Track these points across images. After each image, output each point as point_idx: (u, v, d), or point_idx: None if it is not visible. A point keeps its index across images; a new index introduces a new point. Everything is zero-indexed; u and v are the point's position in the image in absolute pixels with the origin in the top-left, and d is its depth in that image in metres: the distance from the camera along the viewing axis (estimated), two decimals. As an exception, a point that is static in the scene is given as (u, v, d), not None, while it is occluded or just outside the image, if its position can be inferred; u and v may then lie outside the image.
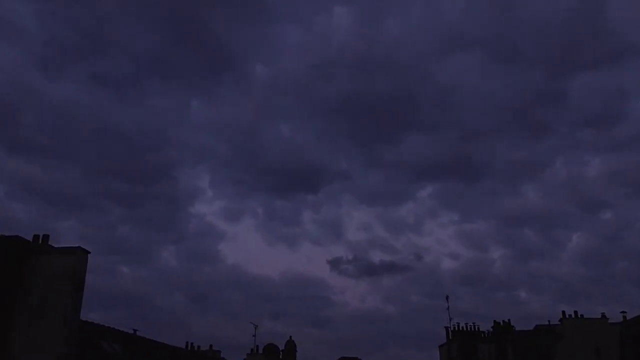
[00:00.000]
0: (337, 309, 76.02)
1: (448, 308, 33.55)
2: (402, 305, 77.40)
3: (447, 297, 33.82)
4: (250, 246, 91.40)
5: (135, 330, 24.75)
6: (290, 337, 34.40)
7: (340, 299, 79.65)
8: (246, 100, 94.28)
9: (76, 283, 16.02)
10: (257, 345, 32.93)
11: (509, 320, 33.11)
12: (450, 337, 33.96)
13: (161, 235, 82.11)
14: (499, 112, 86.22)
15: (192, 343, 31.93)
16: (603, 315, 31.61)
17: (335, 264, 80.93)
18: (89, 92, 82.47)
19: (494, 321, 33.42)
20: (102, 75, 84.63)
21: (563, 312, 31.76)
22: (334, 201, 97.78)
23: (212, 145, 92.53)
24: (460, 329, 33.81)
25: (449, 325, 33.58)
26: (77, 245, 16.52)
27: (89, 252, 16.66)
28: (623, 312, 30.98)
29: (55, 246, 17.16)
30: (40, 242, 17.19)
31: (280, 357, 33.52)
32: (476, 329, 33.81)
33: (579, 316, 31.67)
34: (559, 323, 31.48)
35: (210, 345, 33.65)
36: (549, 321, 31.97)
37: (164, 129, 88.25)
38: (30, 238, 17.27)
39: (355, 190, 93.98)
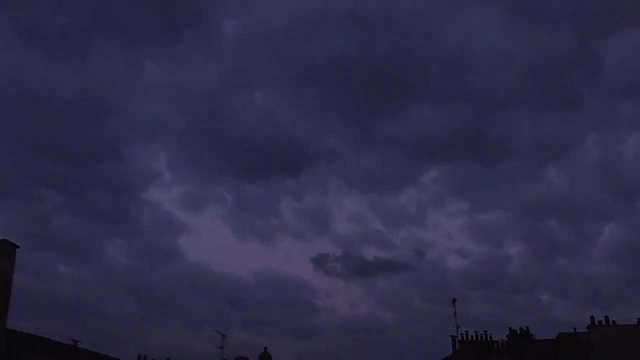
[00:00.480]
0: (322, 316, 74.85)
1: (455, 314, 33.56)
2: (401, 311, 76.82)
3: (454, 302, 33.80)
4: (217, 241, 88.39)
5: (75, 342, 24.72)
6: (265, 348, 33.92)
7: (327, 304, 78.40)
8: (212, 62, 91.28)
9: (1, 284, 15.97)
10: (225, 359, 32.89)
11: (527, 328, 33.62)
12: (458, 348, 34.30)
13: (107, 227, 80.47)
14: (521, 80, 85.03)
15: (145, 356, 32.07)
16: (639, 321, 32.13)
17: (320, 262, 79.58)
18: (15, 50, 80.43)
19: (510, 329, 33.92)
20: (31, 29, 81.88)
21: (592, 317, 32.24)
22: (318, 186, 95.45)
23: (170, 118, 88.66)
24: (470, 338, 34.21)
25: (455, 335, 33.94)
26: (1, 238, 16.42)
27: (17, 247, 16.58)
28: (663, 318, 31.52)
29: (-25, 240, 17.02)
30: (-45, 234, 17.00)
31: (253, 371, 33.65)
32: (488, 339, 34.26)
33: (611, 323, 32.07)
34: (587, 331, 32.00)
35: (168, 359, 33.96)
36: (575, 329, 32.63)
37: (110, 97, 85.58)
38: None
39: (345, 174, 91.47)
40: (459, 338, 34.24)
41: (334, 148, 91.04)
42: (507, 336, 33.84)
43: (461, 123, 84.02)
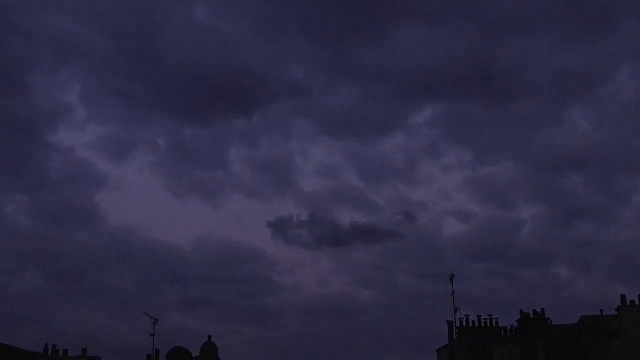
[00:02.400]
0: (283, 295, 65.80)
1: (453, 294, 29.57)
2: (384, 289, 66.81)
3: (451, 278, 29.84)
4: (147, 198, 74.95)
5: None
6: (209, 337, 29.92)
7: (289, 281, 69.48)
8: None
9: None
10: (158, 350, 29.58)
11: (542, 310, 30.61)
12: (456, 337, 30.96)
13: (3, 179, 67.34)
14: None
15: (54, 346, 29.83)
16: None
17: (280, 227, 68.96)
18: None
19: (521, 312, 31.01)
20: None
21: (623, 297, 29.32)
22: (279, 130, 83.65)
23: (86, 36, 74.02)
24: (471, 324, 30.84)
25: (453, 320, 30.31)
26: None
27: None
28: None
29: None
30: None
31: (193, 366, 30.81)
32: (494, 324, 30.96)
33: (646, 303, 30.22)
34: (616, 313, 29.21)
35: (84, 350, 30.78)
36: (601, 311, 29.49)
37: (8, 8, 70.55)
38: None
39: (313, 114, 79.69)
40: (458, 324, 30.69)
41: (299, 80, 77.55)
42: (517, 321, 30.49)
43: (463, 51, 71.57)
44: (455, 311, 29.76)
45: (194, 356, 29.56)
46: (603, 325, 28.56)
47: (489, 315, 30.54)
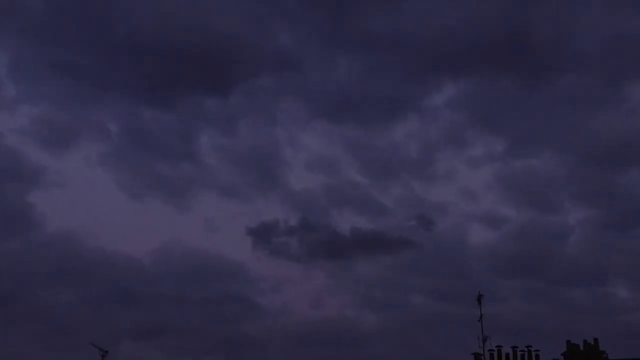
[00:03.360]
0: (267, 320, 56.70)
1: (481, 319, 25.88)
2: (393, 313, 56.98)
3: (479, 298, 26.06)
4: (95, 198, 65.32)
5: None
6: None
7: (274, 302, 59.97)
8: None
9: None
10: None
11: (595, 340, 26.84)
12: None
13: None
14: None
15: None
16: None
17: (263, 235, 59.10)
18: None
19: (568, 343, 27.30)
20: None
21: None
22: (262, 113, 70.10)
23: None
24: (504, 357, 26.36)
25: (481, 352, 26.48)
26: None
27: None
28: None
29: None
30: None
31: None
32: (533, 358, 26.50)
33: None
34: None
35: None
36: None
37: None
38: None
39: (305, 92, 67.62)
40: (487, 357, 26.60)
41: (288, 50, 67.49)
42: (563, 354, 26.48)
43: (494, 14, 62.18)
44: (484, 341, 26.29)
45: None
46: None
47: (527, 347, 26.47)
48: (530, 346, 26.84)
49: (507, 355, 26.08)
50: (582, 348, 26.00)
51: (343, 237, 59.57)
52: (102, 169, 69.99)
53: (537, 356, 26.06)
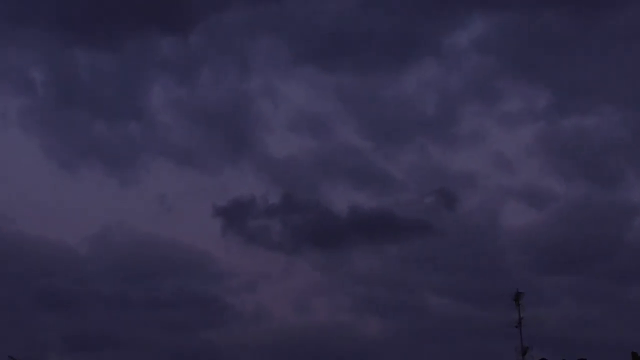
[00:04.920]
0: (239, 326, 48.10)
1: (520, 324, 23.74)
2: (403, 317, 49.06)
3: (516, 298, 24.72)
4: (14, 168, 56.32)
5: None
6: None
7: (249, 303, 49.98)
8: None
9: None
10: None
11: None
12: None
13: None
14: None
15: None
16: None
17: (235, 215, 51.10)
18: None
19: (633, 355, 24.30)
20: None
21: None
22: (231, 55, 61.12)
23: None
24: None
25: None
26: None
27: None
28: None
29: None
30: None
31: None
32: None
33: None
34: None
35: None
36: None
37: None
38: None
39: (287, 29, 59.62)
40: None
41: None
42: None
43: None
44: (525, 352, 24.44)
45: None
46: None
47: (581, 360, 23.10)
48: (585, 359, 23.94)
49: (553, 369, 23.39)
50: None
51: (338, 219, 51.52)
52: (22, 130, 58.07)
53: (590, 370, 23.13)
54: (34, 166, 54.95)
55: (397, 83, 59.28)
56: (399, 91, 58.00)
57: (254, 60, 59.73)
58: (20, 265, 45.43)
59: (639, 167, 52.96)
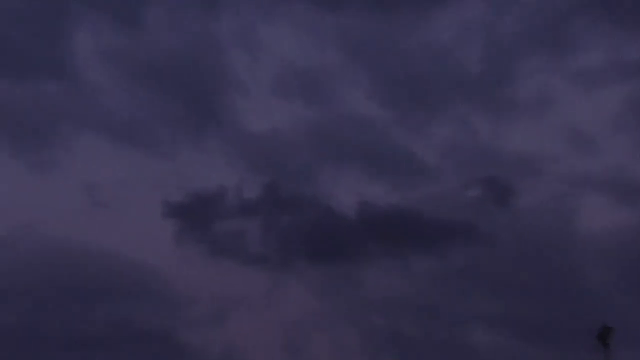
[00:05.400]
0: None
1: None
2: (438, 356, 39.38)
3: (602, 334, 18.68)
4: None
5: None
6: None
7: (216, 342, 37.18)
8: None
9: None
10: None
11: None
12: None
13: None
14: None
15: None
16: None
17: (196, 216, 39.69)
18: None
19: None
20: None
21: None
22: None
23: None
24: None
25: None
26: None
27: None
28: None
29: None
30: None
31: None
32: None
33: None
34: None
35: None
36: None
37: None
38: None
39: None
40: None
41: None
42: None
43: None
44: None
45: None
46: None
47: None
48: None
49: None
50: None
51: (343, 222, 37.82)
52: None
53: None
54: None
55: (427, 27, 44.62)
56: (430, 38, 44.03)
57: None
58: None
59: None
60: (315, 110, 43.70)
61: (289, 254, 38.13)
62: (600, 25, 44.18)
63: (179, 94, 42.55)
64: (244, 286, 38.95)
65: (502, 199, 38.06)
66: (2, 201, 39.35)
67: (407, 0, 45.01)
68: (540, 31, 44.32)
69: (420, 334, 36.98)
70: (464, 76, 42.61)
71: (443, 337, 36.56)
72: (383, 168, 41.82)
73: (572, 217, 39.78)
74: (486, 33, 44.37)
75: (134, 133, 41.44)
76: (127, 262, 37.35)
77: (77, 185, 40.47)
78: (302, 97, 44.60)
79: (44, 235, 38.51)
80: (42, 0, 42.49)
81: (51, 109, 42.18)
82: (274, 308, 38.05)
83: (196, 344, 35.82)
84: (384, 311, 37.44)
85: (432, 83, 42.51)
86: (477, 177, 40.08)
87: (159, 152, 41.62)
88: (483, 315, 36.71)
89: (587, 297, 34.53)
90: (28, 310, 35.45)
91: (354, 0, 45.59)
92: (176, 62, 41.86)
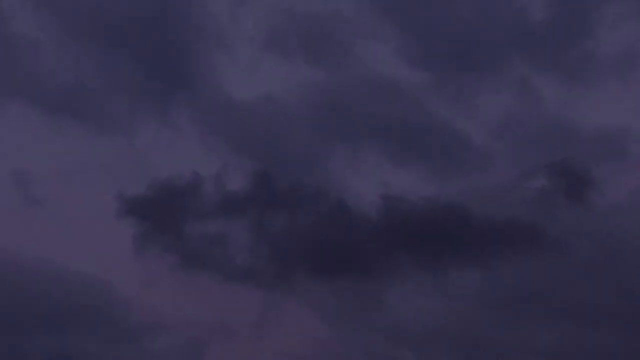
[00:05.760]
0: None
1: None
2: None
3: None
4: None
5: None
6: None
7: None
8: None
9: None
10: None
11: None
12: None
13: None
14: None
15: None
16: None
17: (160, 216, 29.44)
18: None
19: None
20: None
21: None
22: None
23: None
24: None
25: None
26: None
27: None
28: None
29: None
30: None
31: None
32: None
33: None
34: None
35: None
36: None
37: None
38: None
39: None
40: None
41: None
42: None
43: None
44: None
45: None
46: None
47: None
48: None
49: None
50: None
51: (360, 221, 28.61)
52: None
53: None
54: None
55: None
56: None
57: None
58: None
59: None
60: (321, 71, 32.72)
61: (286, 266, 28.66)
62: None
63: (139, 52, 32.39)
64: (226, 309, 29.34)
65: (576, 192, 28.98)
66: None
67: None
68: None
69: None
70: (524, 26, 32.94)
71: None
72: (414, 150, 31.83)
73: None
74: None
75: (78, 104, 31.44)
76: (71, 277, 28.02)
77: (1, 175, 30.89)
78: (303, 55, 33.90)
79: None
80: None
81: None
82: (267, 338, 28.52)
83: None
84: (413, 343, 27.85)
85: (481, 35, 32.73)
86: (541, 163, 30.21)
87: (112, 129, 31.59)
88: (547, 350, 27.09)
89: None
90: None
91: None
92: (135, 10, 32.09)
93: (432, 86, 31.91)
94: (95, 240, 27.97)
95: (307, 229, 27.73)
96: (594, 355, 24.39)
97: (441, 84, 32.43)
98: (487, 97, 31.76)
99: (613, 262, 26.74)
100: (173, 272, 27.87)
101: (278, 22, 33.06)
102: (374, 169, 30.57)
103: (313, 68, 32.99)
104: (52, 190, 29.23)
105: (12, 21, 31.36)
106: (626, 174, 29.35)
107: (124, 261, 27.78)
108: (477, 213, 27.39)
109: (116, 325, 27.07)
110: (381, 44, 32.84)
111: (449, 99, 32.01)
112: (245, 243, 28.18)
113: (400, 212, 27.63)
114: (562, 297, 26.29)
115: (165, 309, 27.61)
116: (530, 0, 32.37)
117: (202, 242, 28.07)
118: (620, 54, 32.18)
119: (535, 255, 26.65)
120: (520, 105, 31.79)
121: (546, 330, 25.74)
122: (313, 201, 28.06)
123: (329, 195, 28.22)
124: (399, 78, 31.50)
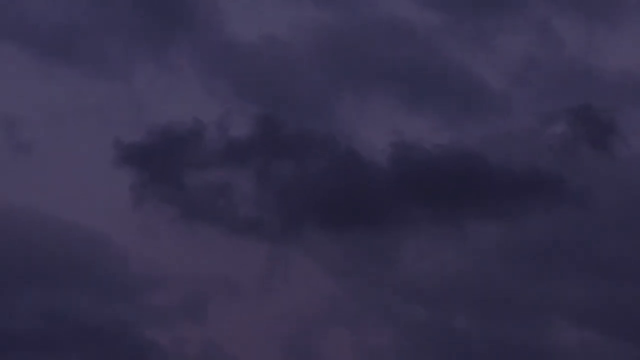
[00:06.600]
0: None
1: None
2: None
3: None
4: None
5: None
6: None
7: (193, 339, 26.83)
8: None
9: None
10: None
11: None
12: None
13: None
14: None
15: None
16: None
17: (159, 165, 27.73)
18: None
19: None
20: None
21: None
22: None
23: None
24: None
25: None
26: None
27: None
28: None
29: None
30: None
31: None
32: None
33: None
34: None
35: None
36: None
37: None
38: None
39: None
40: None
41: None
42: None
43: None
44: None
45: None
46: None
47: None
48: None
49: None
50: None
51: (371, 170, 27.38)
52: None
53: None
54: None
55: None
56: None
57: None
58: None
59: None
60: (330, 11, 31.11)
61: (293, 218, 27.60)
62: None
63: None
64: (230, 263, 28.35)
65: (600, 139, 27.45)
66: None
67: None
68: None
69: (477, 331, 26.43)
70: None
71: (511, 336, 25.96)
72: (428, 96, 30.20)
73: None
74: None
75: (71, 46, 30.00)
76: (65, 230, 27.02)
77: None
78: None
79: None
80: None
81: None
82: (273, 294, 27.55)
83: (163, 344, 25.65)
84: (428, 300, 26.92)
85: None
86: (563, 108, 28.36)
87: (108, 72, 30.14)
88: (569, 307, 25.97)
89: None
90: None
91: None
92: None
93: (447, 28, 30.47)
94: (91, 191, 27.04)
95: (315, 178, 26.45)
96: (624, 314, 23.41)
97: (457, 25, 30.91)
98: (506, 39, 30.32)
99: (638, 213, 25.89)
100: (173, 224, 26.71)
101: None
102: (386, 115, 29.11)
103: (321, 8, 31.22)
104: (43, 137, 27.66)
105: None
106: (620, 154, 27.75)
107: (121, 212, 26.63)
108: (495, 161, 26.13)
109: (112, 280, 26.09)
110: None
111: (465, 42, 30.44)
112: (249, 193, 26.96)
113: (413, 161, 26.34)
114: (586, 250, 25.26)
115: (164, 263, 26.59)
116: None
117: (203, 192, 26.86)
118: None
119: (555, 206, 25.43)
120: (541, 48, 30.28)
121: (571, 285, 24.57)
122: (321, 149, 26.78)
123: (338, 143, 26.87)
124: (413, 19, 29.90)
